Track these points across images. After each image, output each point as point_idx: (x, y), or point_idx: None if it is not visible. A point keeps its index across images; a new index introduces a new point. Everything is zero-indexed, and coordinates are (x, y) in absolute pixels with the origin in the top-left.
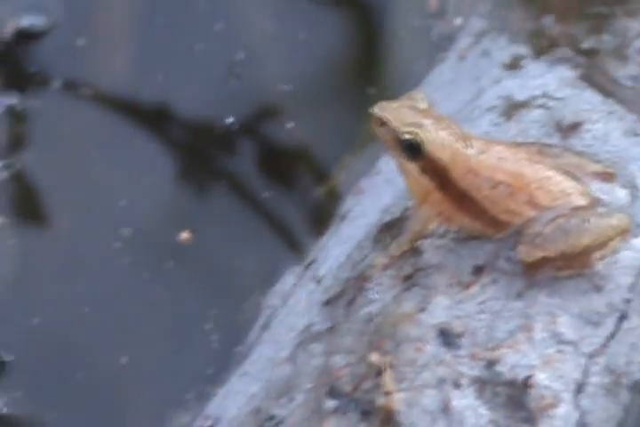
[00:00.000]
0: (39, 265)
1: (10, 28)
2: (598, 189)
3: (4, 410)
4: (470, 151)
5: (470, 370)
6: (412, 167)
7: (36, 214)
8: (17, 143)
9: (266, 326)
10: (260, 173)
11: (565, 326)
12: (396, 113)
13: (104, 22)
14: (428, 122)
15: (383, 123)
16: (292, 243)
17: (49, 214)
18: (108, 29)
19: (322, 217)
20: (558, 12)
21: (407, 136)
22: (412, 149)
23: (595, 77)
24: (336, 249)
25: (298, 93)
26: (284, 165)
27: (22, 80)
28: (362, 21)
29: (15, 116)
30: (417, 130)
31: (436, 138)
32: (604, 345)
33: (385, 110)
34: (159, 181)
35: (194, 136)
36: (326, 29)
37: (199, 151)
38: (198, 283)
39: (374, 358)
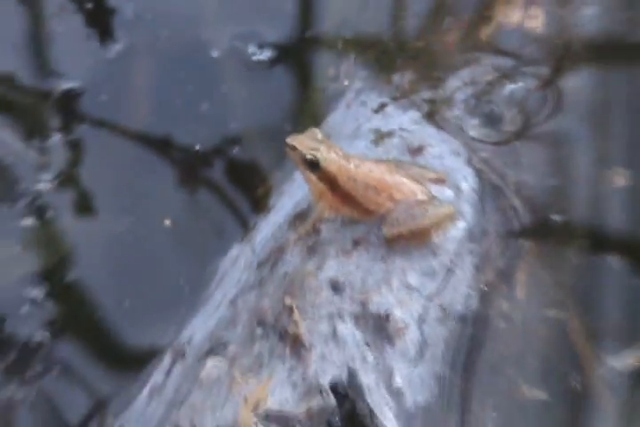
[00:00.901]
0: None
1: (58, 91)
2: (434, 189)
3: None
4: (350, 166)
5: (350, 308)
6: (313, 177)
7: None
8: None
9: (219, 281)
10: (222, 181)
11: (412, 279)
12: (302, 141)
13: (125, 86)
14: (322, 147)
15: (294, 148)
16: (241, 225)
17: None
18: (129, 90)
19: (260, 208)
20: (409, 76)
21: (309, 156)
22: (313, 165)
23: (432, 117)
24: (265, 230)
25: (246, 130)
26: (236, 175)
27: (72, 120)
28: (289, 84)
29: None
30: (316, 152)
31: (328, 157)
32: (438, 290)
33: (295, 140)
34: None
35: (179, 160)
36: (263, 90)
37: (183, 169)
38: (176, 261)
39: (288, 300)
